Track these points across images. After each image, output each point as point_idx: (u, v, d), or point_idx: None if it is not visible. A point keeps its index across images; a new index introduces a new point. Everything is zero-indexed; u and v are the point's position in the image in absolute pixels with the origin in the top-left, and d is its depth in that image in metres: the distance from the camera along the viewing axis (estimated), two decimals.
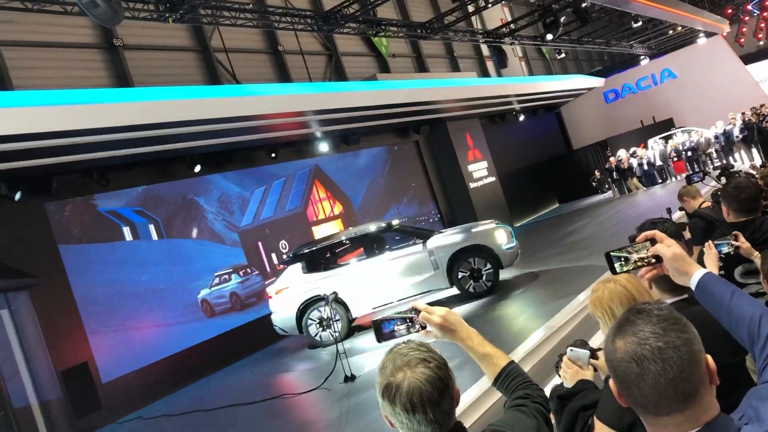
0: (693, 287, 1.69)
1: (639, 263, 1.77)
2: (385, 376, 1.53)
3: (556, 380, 2.62)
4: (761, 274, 2.74)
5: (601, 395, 2.09)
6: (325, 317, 9.86)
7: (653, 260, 1.75)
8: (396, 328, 1.90)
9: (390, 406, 1.51)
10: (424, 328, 1.88)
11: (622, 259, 1.79)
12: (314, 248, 10.50)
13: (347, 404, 6.81)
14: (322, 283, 10.10)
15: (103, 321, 10.24)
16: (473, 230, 10.52)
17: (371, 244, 10.50)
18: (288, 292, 10.26)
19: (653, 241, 1.75)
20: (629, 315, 1.29)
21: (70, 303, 9.92)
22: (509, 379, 1.86)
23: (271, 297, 10.51)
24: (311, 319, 10.10)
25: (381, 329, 1.93)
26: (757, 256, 2.90)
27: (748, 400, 1.30)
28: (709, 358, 1.25)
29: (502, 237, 10.24)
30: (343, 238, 10.75)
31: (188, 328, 11.51)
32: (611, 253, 1.80)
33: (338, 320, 9.96)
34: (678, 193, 5.18)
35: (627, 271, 1.82)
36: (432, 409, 1.48)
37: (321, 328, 10.03)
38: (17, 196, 9.40)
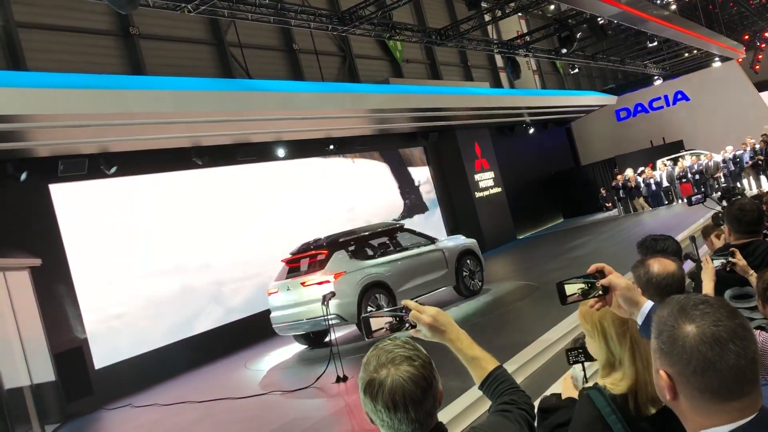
0: (641, 318, 1.69)
1: (588, 294, 1.80)
2: (369, 372, 1.51)
3: (546, 395, 2.60)
4: (756, 294, 2.73)
5: (574, 415, 2.05)
6: (382, 303, 9.51)
7: (600, 292, 1.78)
8: (385, 325, 1.88)
9: (371, 403, 1.48)
10: (413, 326, 1.85)
11: (574, 289, 1.82)
12: (352, 237, 10.31)
13: (336, 404, 6.79)
14: (375, 269, 9.91)
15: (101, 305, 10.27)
16: (462, 238, 12.11)
17: (394, 241, 10.91)
18: (347, 276, 9.49)
19: (602, 273, 1.78)
20: (686, 302, 1.21)
21: (69, 286, 9.94)
22: (496, 383, 1.83)
23: (327, 281, 9.32)
24: (370, 306, 9.41)
25: (370, 326, 1.91)
26: (752, 275, 2.90)
27: None
28: None
29: (478, 246, 12.05)
30: (370, 232, 10.74)
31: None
32: (564, 283, 1.83)
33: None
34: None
35: (575, 302, 1.84)
36: (414, 408, 1.45)
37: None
38: (23, 176, 9.44)
